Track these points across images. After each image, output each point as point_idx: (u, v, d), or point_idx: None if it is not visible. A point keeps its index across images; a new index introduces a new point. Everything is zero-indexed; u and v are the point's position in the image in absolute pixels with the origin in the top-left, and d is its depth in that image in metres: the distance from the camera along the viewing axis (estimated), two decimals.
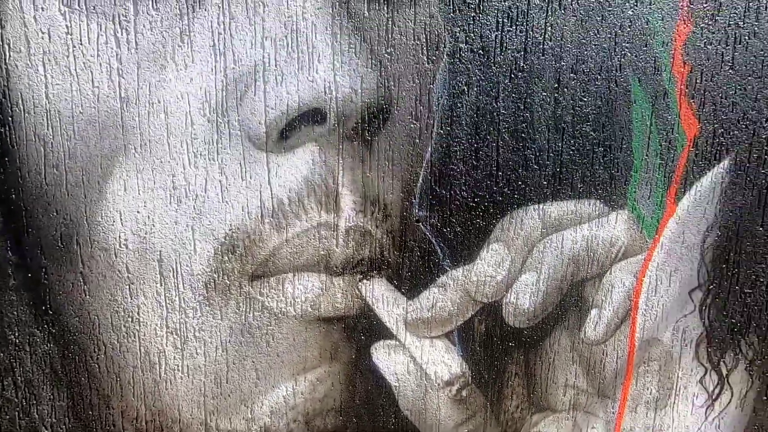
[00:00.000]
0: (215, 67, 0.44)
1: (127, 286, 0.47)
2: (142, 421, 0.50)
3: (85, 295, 0.46)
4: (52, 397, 0.47)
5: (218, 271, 0.48)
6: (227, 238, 0.48)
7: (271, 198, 0.48)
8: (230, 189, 0.47)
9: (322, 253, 0.50)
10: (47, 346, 0.47)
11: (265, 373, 0.52)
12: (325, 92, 0.46)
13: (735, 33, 0.56)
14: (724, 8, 0.55)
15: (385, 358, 0.54)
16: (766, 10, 0.54)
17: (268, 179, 0.48)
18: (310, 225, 0.49)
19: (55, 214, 0.45)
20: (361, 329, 0.54)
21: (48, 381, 0.47)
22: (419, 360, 0.54)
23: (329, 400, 0.54)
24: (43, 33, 0.41)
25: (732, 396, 0.67)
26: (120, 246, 0.46)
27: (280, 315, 0.51)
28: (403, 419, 0.56)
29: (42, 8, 0.41)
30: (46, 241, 0.45)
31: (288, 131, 0.47)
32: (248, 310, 0.50)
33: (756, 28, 0.56)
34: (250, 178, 0.47)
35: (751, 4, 0.56)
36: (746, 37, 0.57)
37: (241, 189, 0.47)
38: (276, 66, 0.45)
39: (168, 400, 0.50)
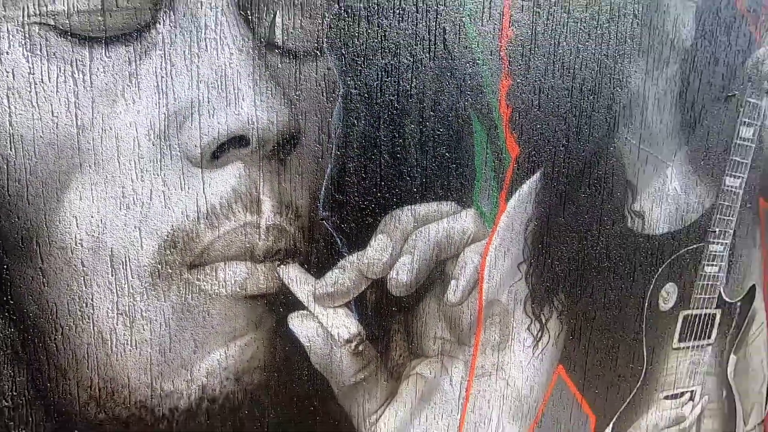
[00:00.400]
0: (159, 102, 0.57)
1: (82, 278, 0.57)
2: (95, 388, 0.60)
3: (44, 287, 0.56)
4: (12, 374, 0.56)
5: (162, 262, 0.60)
6: (169, 236, 0.60)
7: (206, 204, 0.61)
8: (172, 197, 0.60)
9: (248, 245, 0.65)
10: (8, 330, 0.55)
11: (202, 342, 0.65)
12: (248, 123, 0.61)
13: (540, 85, 0.82)
14: (532, 69, 0.81)
15: (298, 325, 0.71)
16: (554, 68, 0.81)
17: (203, 189, 0.61)
18: (237, 224, 0.64)
19: (16, 219, 0.53)
20: (279, 303, 0.69)
21: (9, 361, 0.56)
22: (325, 324, 0.72)
23: (255, 360, 0.69)
24: (7, 72, 0.50)
25: (549, 338, 0.95)
26: (76, 245, 0.56)
27: (213, 295, 0.64)
28: (314, 371, 0.73)
29: (7, 52, 0.50)
30: (8, 243, 0.54)
31: (218, 152, 0.61)
32: (187, 292, 0.63)
33: (552, 83, 0.83)
34: (189, 188, 0.60)
35: (548, 66, 0.82)
36: (547, 88, 0.83)
37: (180, 197, 0.60)
38: (209, 102, 0.59)
39: (118, 370, 0.61)
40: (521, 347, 0.92)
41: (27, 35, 0.50)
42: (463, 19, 0.74)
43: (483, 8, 0.75)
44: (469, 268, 0.82)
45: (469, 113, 0.77)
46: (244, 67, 0.60)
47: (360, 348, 0.75)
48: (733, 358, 1.28)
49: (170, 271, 0.61)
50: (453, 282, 0.82)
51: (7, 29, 0.50)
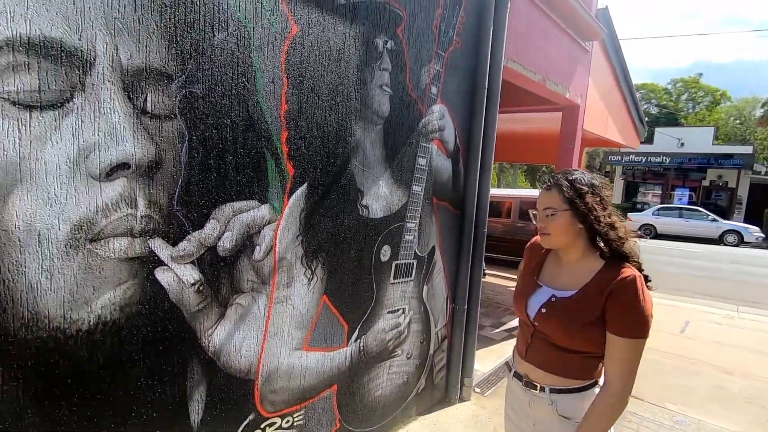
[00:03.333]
0: (73, 143, 0.97)
1: (19, 249, 0.92)
2: (26, 319, 0.94)
3: None
4: None
5: (72, 238, 1.00)
6: (77, 222, 1.00)
7: (102, 203, 1.03)
8: (80, 199, 1.00)
9: (128, 227, 1.09)
10: None
11: (99, 287, 1.06)
12: (130, 155, 1.06)
13: (304, 135, 1.47)
14: (299, 126, 1.45)
15: (161, 275, 1.17)
16: (313, 126, 1.48)
17: (100, 194, 1.03)
18: (122, 215, 1.07)
19: None
20: (149, 262, 1.15)
21: None
22: (179, 275, 1.20)
23: (134, 298, 1.12)
24: None
25: (317, 279, 1.63)
26: (15, 228, 0.91)
27: (106, 258, 1.06)
28: (172, 304, 1.21)
29: None
30: None
31: (111, 172, 1.04)
32: (89, 257, 1.03)
33: (312, 134, 1.49)
34: (91, 193, 1.01)
35: (309, 125, 1.48)
36: (309, 137, 1.49)
37: (86, 199, 1.01)
38: (105, 143, 1.02)
39: (42, 306, 0.97)
40: (301, 285, 1.57)
41: None
42: (258, 99, 1.33)
43: (270, 92, 1.36)
44: (267, 239, 1.42)
45: (263, 150, 1.37)
46: (127, 123, 1.05)
47: (201, 288, 1.26)
48: (425, 287, 2.25)
49: (77, 244, 1.01)
50: (257, 247, 1.40)
51: None
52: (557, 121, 4.31)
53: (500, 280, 6.31)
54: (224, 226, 1.30)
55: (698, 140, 17.63)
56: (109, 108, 1.02)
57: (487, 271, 6.57)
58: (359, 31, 1.62)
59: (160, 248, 1.16)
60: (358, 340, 1.87)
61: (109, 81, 1.01)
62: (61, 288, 1.00)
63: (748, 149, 17.80)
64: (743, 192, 17.76)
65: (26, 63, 0.90)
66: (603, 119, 4.92)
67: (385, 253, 1.94)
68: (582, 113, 4.17)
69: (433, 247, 2.25)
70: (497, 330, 3.95)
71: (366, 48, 1.66)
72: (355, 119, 1.67)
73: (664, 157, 17.76)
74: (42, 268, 0.97)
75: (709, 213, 13.63)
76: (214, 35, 1.21)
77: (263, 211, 1.40)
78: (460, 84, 2.21)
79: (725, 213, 16.25)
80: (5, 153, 0.89)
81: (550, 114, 4.52)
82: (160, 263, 1.17)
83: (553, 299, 1.11)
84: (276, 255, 1.47)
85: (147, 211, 1.12)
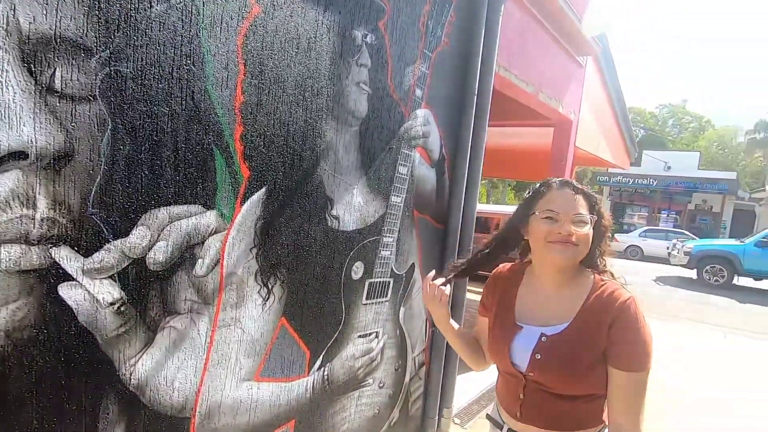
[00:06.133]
0: None
1: None
2: None
3: None
4: None
5: None
6: None
7: None
8: None
9: (22, 232, 0.87)
10: None
11: None
12: (28, 143, 0.85)
13: (263, 133, 1.27)
14: (258, 122, 1.26)
15: (68, 292, 0.95)
16: (275, 123, 1.28)
17: None
18: (14, 216, 0.85)
19: None
20: (52, 276, 0.93)
21: None
22: (92, 291, 0.98)
23: (26, 320, 0.90)
24: None
25: (275, 299, 1.42)
26: None
27: None
28: (82, 327, 0.98)
29: None
30: None
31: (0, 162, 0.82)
32: None
33: (273, 132, 1.29)
34: None
35: (270, 121, 1.28)
36: (270, 135, 1.29)
37: None
38: None
39: None
40: (254, 305, 1.35)
41: None
42: (207, 86, 1.13)
43: (223, 80, 1.16)
44: (212, 251, 1.21)
45: (212, 147, 1.17)
46: (26, 103, 0.84)
47: (122, 309, 1.04)
48: (402, 309, 2.04)
49: None
50: (200, 260, 1.19)
51: None
52: (548, 137, 4.19)
53: None
54: (157, 234, 1.08)
55: (684, 164, 17.87)
56: (1, 82, 0.81)
57: (475, 289, 6.39)
58: (335, 20, 1.44)
59: (68, 259, 0.94)
60: (323, 368, 1.65)
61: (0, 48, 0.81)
62: None
63: (732, 175, 18.11)
64: (727, 216, 18.01)
65: None
66: (595, 137, 4.82)
67: (358, 270, 1.73)
68: (575, 129, 4.05)
69: (413, 265, 2.06)
70: None
71: (342, 40, 1.47)
72: (326, 118, 1.48)
73: (651, 180, 17.94)
74: None
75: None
76: (151, 6, 1.01)
77: (208, 218, 1.19)
78: (448, 88, 2.04)
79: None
80: None
81: (541, 129, 4.41)
82: (67, 277, 0.95)
83: (543, 339, 0.91)
84: (223, 270, 1.25)
85: (50, 212, 0.90)
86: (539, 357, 0.90)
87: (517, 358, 0.93)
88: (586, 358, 0.88)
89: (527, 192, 1.05)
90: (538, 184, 1.02)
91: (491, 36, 2.12)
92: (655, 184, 17.94)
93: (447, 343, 2.29)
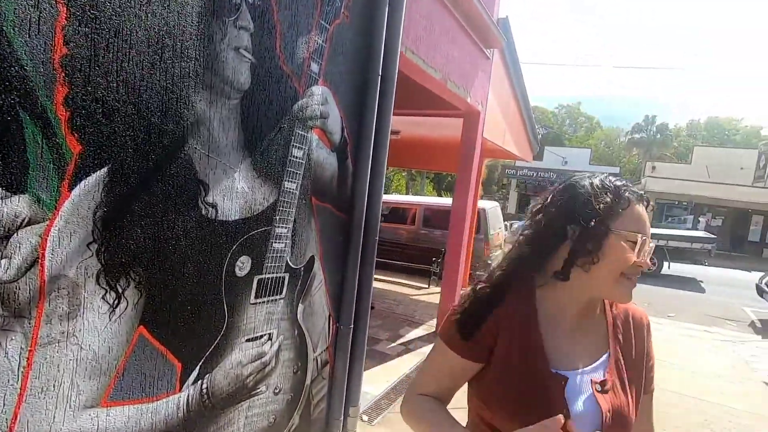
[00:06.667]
0: None
1: None
2: None
3: None
4: None
5: None
6: None
7: None
8: None
9: None
10: None
11: None
12: None
13: (103, 98, 1.01)
14: (92, 82, 0.98)
15: None
16: (118, 86, 1.01)
17: None
18: None
19: None
20: None
21: None
22: None
23: None
24: None
25: (128, 304, 1.16)
26: None
27: None
28: None
29: None
30: None
31: None
32: None
33: (116, 97, 1.03)
34: None
35: (111, 84, 1.02)
36: (111, 101, 1.02)
37: None
38: None
39: None
40: (96, 314, 1.09)
41: None
42: (6, 29, 0.84)
43: (32, 22, 0.88)
44: (24, 248, 0.92)
45: (17, 111, 0.88)
46: None
47: None
48: (301, 306, 1.87)
49: None
50: (4, 261, 0.90)
51: None
52: (460, 129, 4.25)
53: (403, 288, 6.20)
54: None
55: (579, 159, 19.90)
56: None
57: (389, 279, 6.40)
58: None
59: None
60: (200, 381, 1.42)
61: None
62: None
63: (615, 170, 20.62)
64: None
65: None
66: (501, 129, 5.03)
67: (243, 265, 1.52)
68: (482, 120, 4.16)
69: (312, 258, 1.89)
70: (394, 344, 3.71)
71: None
72: (195, 87, 1.23)
73: (552, 173, 19.71)
74: None
75: None
76: None
77: (14, 205, 0.90)
78: (350, 67, 1.89)
79: None
80: None
81: (454, 120, 4.47)
82: None
83: (598, 389, 0.75)
84: (45, 272, 0.97)
85: None
86: (610, 413, 0.73)
87: (583, 424, 0.71)
88: (637, 391, 0.82)
89: (585, 197, 0.75)
90: (602, 189, 0.76)
91: (396, 13, 2.00)
92: (554, 177, 19.74)
93: (352, 338, 2.17)
